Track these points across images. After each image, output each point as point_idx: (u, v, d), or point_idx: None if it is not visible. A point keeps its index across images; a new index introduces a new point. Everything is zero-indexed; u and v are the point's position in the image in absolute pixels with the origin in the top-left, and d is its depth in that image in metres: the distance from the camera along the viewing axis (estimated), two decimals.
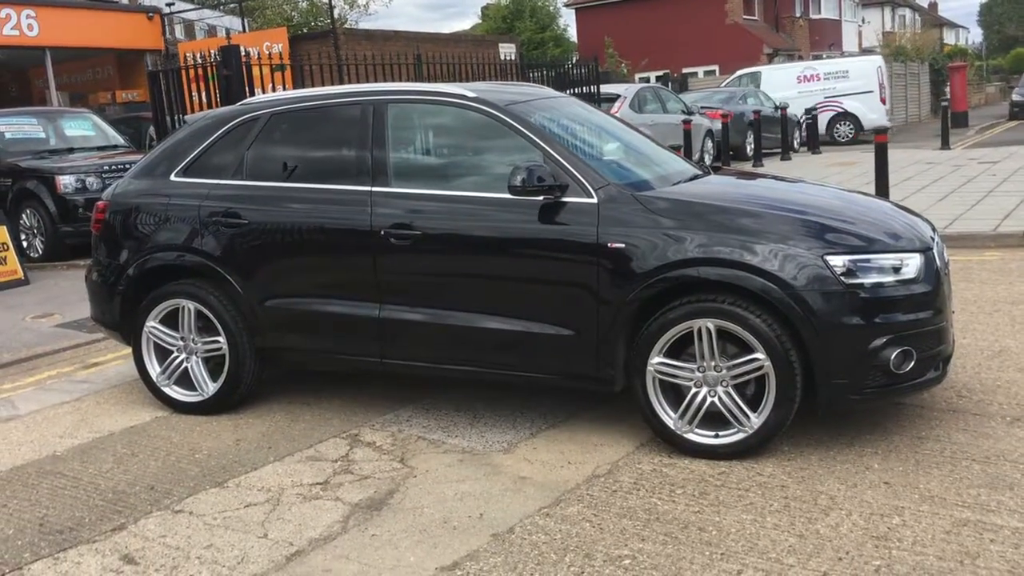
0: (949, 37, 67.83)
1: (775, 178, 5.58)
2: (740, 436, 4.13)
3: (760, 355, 4.02)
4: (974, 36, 79.50)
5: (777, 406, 4.04)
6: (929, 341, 4.12)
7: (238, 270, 5.07)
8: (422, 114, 4.97)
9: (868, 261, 4.02)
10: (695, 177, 4.98)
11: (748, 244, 4.04)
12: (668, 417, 4.25)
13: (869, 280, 3.99)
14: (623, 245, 4.23)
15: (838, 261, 3.98)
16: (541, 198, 4.39)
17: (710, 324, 4.09)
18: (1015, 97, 32.01)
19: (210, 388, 5.23)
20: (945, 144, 18.85)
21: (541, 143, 4.51)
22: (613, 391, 4.41)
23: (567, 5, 41.60)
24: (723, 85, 26.39)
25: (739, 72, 27.37)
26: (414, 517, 3.84)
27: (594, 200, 4.34)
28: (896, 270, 4.03)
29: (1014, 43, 70.00)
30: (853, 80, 25.55)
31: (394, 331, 4.77)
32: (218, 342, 5.15)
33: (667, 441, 4.29)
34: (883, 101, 25.64)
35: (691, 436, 4.21)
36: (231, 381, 5.17)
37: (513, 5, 37.83)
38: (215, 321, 5.13)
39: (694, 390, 4.19)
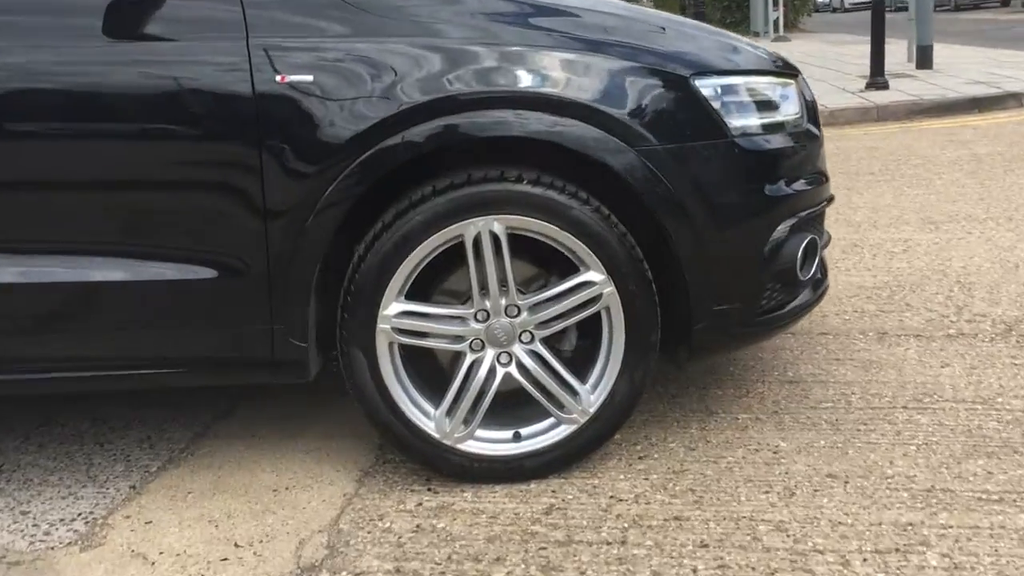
0: None
1: None
2: (566, 431, 2.20)
3: (595, 275, 2.11)
4: None
5: (629, 365, 2.17)
6: (821, 226, 2.54)
7: None
8: None
9: (745, 90, 2.26)
10: None
11: (565, 61, 2.09)
12: (421, 414, 2.18)
13: (752, 121, 2.24)
14: (308, 78, 2.02)
15: (708, 87, 2.18)
16: None
17: (496, 226, 2.08)
18: None
19: None
20: None
21: None
22: (305, 379, 2.22)
23: None
24: None
25: None
26: None
27: None
28: (774, 106, 2.33)
29: None
30: None
31: None
32: None
33: (422, 460, 2.22)
34: None
35: (470, 445, 2.20)
36: None
37: None
38: None
39: (470, 357, 2.17)
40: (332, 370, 2.29)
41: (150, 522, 2.13)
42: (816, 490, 2.09)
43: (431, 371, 2.25)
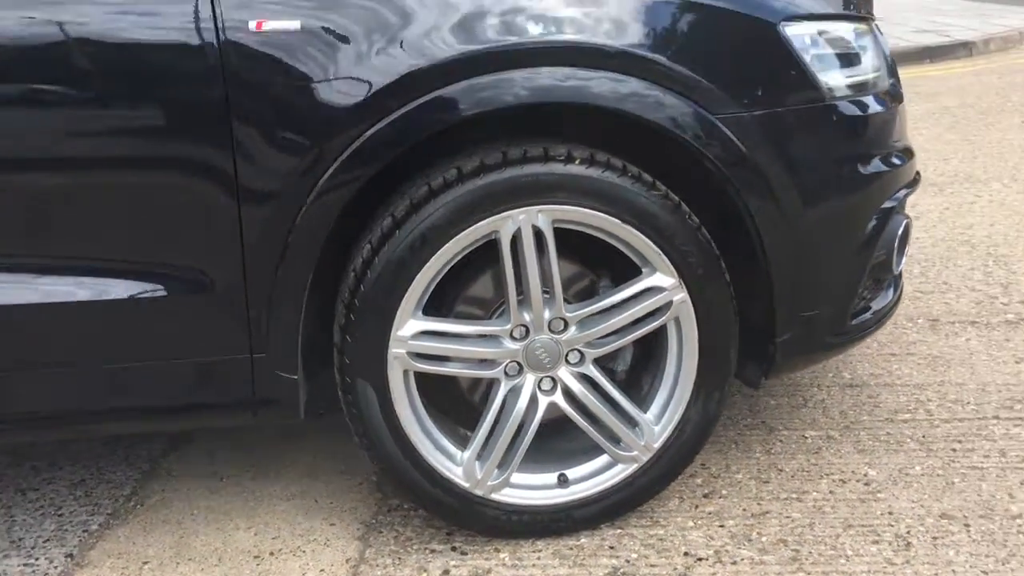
0: None
1: None
2: (624, 471, 1.76)
3: (663, 279, 1.67)
4: None
5: (703, 389, 1.74)
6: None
7: None
8: None
9: (829, 39, 1.80)
10: None
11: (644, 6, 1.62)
12: (446, 459, 1.72)
13: (839, 79, 1.79)
14: (294, 25, 1.50)
15: (804, 34, 1.73)
16: None
17: (541, 219, 1.61)
18: None
19: None
20: None
21: None
22: (295, 418, 1.73)
23: None
24: None
25: None
26: None
27: None
28: (857, 60, 1.88)
29: None
30: None
31: None
32: None
33: (448, 517, 1.76)
34: None
35: (506, 495, 1.74)
36: None
37: None
38: None
39: (505, 384, 1.71)
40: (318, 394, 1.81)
41: None
42: (936, 538, 1.71)
43: (450, 401, 1.79)
